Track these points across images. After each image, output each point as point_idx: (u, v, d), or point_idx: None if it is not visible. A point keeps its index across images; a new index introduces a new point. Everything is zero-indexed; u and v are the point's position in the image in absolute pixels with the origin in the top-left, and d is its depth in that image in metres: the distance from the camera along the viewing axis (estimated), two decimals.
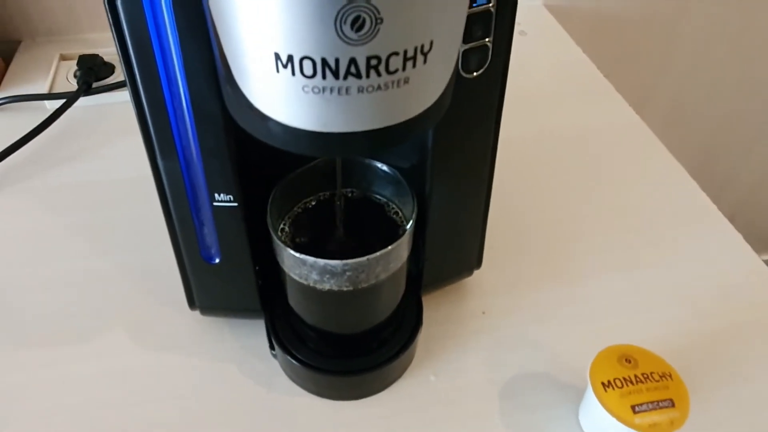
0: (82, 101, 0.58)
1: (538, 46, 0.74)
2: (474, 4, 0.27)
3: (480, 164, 0.36)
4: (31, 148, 0.55)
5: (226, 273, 0.36)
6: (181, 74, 0.27)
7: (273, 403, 0.38)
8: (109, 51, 0.64)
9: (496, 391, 0.39)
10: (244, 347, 0.41)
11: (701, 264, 0.48)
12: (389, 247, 0.30)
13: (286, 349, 0.37)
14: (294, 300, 0.35)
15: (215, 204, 0.32)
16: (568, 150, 0.58)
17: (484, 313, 0.44)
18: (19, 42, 0.67)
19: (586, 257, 0.48)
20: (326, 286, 0.31)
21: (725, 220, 0.51)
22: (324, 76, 0.19)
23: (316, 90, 0.20)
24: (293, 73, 0.19)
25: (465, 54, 0.29)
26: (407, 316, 0.40)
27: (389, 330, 0.38)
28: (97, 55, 0.62)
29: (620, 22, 0.83)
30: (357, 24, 0.18)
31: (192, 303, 0.39)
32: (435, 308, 0.43)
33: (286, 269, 0.32)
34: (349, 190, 0.35)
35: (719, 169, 0.99)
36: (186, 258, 0.36)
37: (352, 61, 0.19)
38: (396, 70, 0.20)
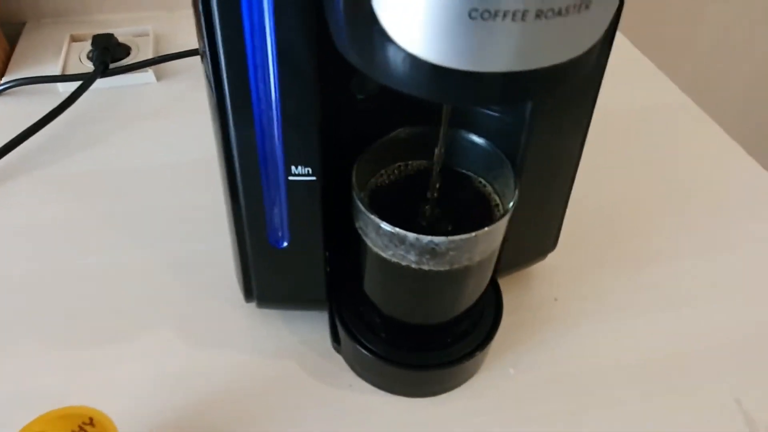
0: (99, 83, 0.54)
1: None
2: None
3: (575, 137, 0.32)
4: (47, 133, 0.50)
5: (293, 259, 0.32)
6: (270, 20, 0.23)
7: (341, 402, 0.34)
8: (122, 31, 0.60)
9: (580, 385, 0.36)
10: (304, 342, 0.37)
11: None
12: (495, 224, 0.27)
13: (357, 340, 0.34)
14: (375, 286, 0.32)
15: (290, 178, 0.28)
16: (623, 131, 0.55)
17: (556, 299, 0.41)
18: (23, 24, 0.62)
19: (658, 241, 0.45)
20: (423, 267, 0.27)
21: None
22: None
23: (486, 15, 0.16)
24: None
25: None
26: (486, 304, 0.36)
27: (469, 320, 0.35)
28: (112, 34, 0.57)
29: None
30: None
31: (249, 294, 0.35)
32: (508, 294, 0.40)
33: (376, 249, 0.28)
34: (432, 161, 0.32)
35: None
36: (249, 243, 0.32)
37: None
38: None
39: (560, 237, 0.39)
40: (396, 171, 0.32)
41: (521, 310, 0.40)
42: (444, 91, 0.18)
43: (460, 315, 0.33)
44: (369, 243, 0.28)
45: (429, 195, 0.30)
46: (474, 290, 0.32)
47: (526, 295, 0.41)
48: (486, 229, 0.26)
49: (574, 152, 0.33)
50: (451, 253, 0.27)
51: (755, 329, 0.39)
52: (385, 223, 0.26)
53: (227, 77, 0.25)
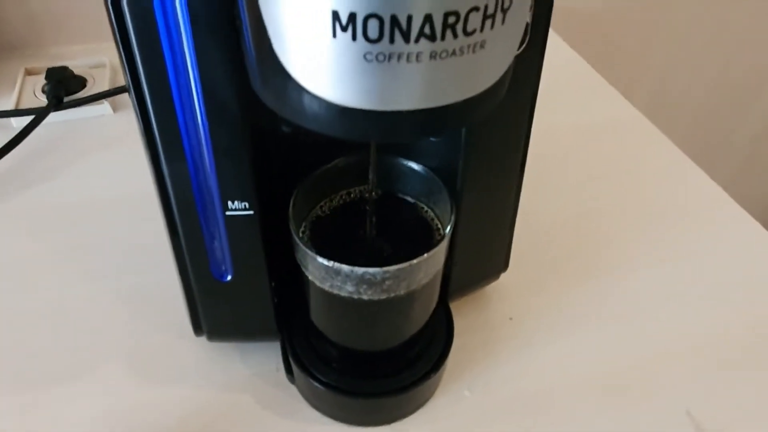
0: (54, 117, 0.53)
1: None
2: None
3: (514, 156, 0.33)
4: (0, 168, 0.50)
5: (239, 291, 0.32)
6: (191, 58, 0.23)
7: None
8: (78, 63, 0.59)
9: (536, 403, 0.36)
10: (257, 374, 0.37)
11: (729, 254, 0.46)
12: (432, 251, 0.27)
13: (307, 372, 0.33)
14: (320, 316, 0.32)
15: (228, 213, 0.29)
16: (573, 146, 0.56)
17: (511, 318, 0.42)
18: None
19: (610, 255, 0.46)
20: (363, 297, 0.27)
21: (740, 209, 0.50)
22: (392, 39, 0.16)
23: (381, 57, 0.16)
24: (354, 38, 0.16)
25: None
26: (436, 328, 0.36)
27: (420, 345, 0.35)
28: (67, 67, 0.57)
29: (603, 18, 0.83)
30: None
31: (198, 328, 0.35)
32: (460, 316, 0.40)
33: (315, 281, 0.28)
34: (368, 188, 0.32)
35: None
36: (193, 277, 0.32)
37: (428, 18, 0.16)
38: (474, 31, 0.16)
39: (513, 255, 0.40)
40: (338, 200, 0.32)
41: (476, 331, 0.40)
42: (353, 130, 0.19)
43: (410, 340, 0.33)
44: (308, 275, 0.28)
45: (368, 223, 0.30)
46: (419, 316, 0.32)
47: (481, 316, 0.41)
48: (422, 257, 0.26)
49: (514, 172, 0.34)
50: (387, 282, 0.27)
51: (705, 340, 0.40)
52: (319, 256, 0.26)
53: (154, 113, 0.25)
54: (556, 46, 0.72)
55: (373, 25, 0.16)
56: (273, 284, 0.33)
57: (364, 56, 0.16)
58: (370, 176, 0.28)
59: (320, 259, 0.26)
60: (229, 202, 0.28)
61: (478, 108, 0.19)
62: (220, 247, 0.30)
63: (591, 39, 0.83)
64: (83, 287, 0.41)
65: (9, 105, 0.54)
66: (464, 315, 0.41)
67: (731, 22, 0.88)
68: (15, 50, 0.62)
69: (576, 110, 0.61)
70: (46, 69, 0.56)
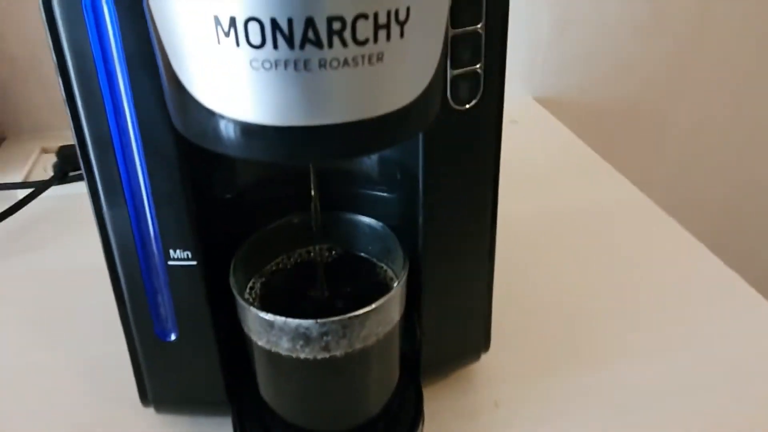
0: (58, 190, 0.55)
1: (531, 133, 0.73)
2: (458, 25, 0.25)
3: (479, 218, 0.31)
4: None
5: (185, 352, 0.30)
6: (129, 100, 0.23)
7: None
8: None
9: None
10: None
11: (739, 343, 0.41)
12: (374, 305, 0.25)
13: None
14: (263, 381, 0.29)
15: (170, 263, 0.27)
16: (572, 227, 0.54)
17: (497, 404, 0.37)
18: (3, 139, 0.66)
19: (606, 339, 0.42)
20: (300, 355, 0.25)
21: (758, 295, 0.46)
22: (275, 44, 0.15)
23: (267, 65, 0.16)
24: (237, 43, 0.15)
25: (454, 81, 0.26)
26: (405, 408, 0.33)
27: (382, 425, 0.31)
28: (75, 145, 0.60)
29: (610, 111, 0.84)
30: None
31: (144, 396, 0.33)
32: (440, 400, 0.36)
33: (252, 337, 0.26)
34: (329, 246, 0.31)
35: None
36: (137, 336, 0.30)
37: (310, 21, 0.15)
38: (366, 40, 0.16)
39: (504, 336, 0.37)
40: (295, 257, 0.31)
41: (457, 417, 0.36)
42: (251, 149, 0.18)
43: (372, 419, 0.30)
44: (246, 332, 0.26)
45: (318, 281, 0.28)
46: (373, 387, 0.29)
47: (463, 400, 0.37)
48: (361, 311, 0.24)
49: (482, 238, 0.32)
50: (325, 338, 0.24)
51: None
52: (252, 307, 0.25)
53: (94, 155, 0.25)
54: (560, 134, 0.73)
55: (254, 29, 0.15)
56: (222, 348, 0.30)
57: (250, 63, 0.16)
58: (313, 224, 0.26)
59: (253, 310, 0.25)
60: (171, 251, 0.27)
61: (388, 130, 0.18)
62: (163, 302, 0.29)
63: (601, 131, 0.84)
64: (48, 354, 0.40)
65: (19, 179, 0.57)
66: (447, 397, 0.37)
67: (747, 114, 0.88)
68: (37, 132, 0.66)
69: (574, 191, 0.59)
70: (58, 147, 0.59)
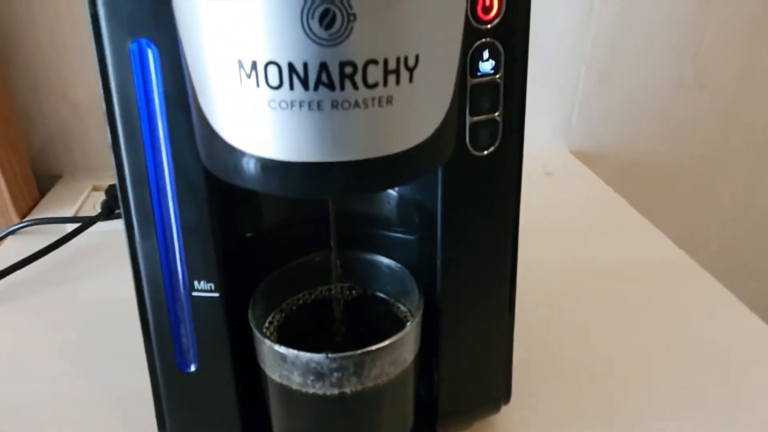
0: (104, 226, 0.58)
1: (565, 185, 0.73)
2: (478, 74, 0.26)
3: (499, 264, 0.31)
4: (43, 266, 0.54)
5: (203, 384, 0.31)
6: (165, 139, 0.25)
7: None
8: None
9: None
10: None
11: None
12: (386, 342, 0.25)
13: None
14: (275, 416, 0.29)
15: (194, 294, 0.28)
16: (606, 282, 0.53)
17: None
18: (59, 177, 0.70)
19: (637, 398, 0.40)
20: (310, 390, 0.25)
21: None
22: (291, 86, 0.17)
23: (284, 105, 0.17)
24: (258, 84, 0.17)
25: (473, 127, 0.27)
26: None
27: None
28: None
29: (651, 166, 0.83)
30: (326, 19, 0.16)
31: (163, 429, 0.33)
32: None
33: (266, 371, 0.27)
34: (348, 285, 0.31)
35: None
36: (159, 365, 0.31)
37: (323, 66, 0.16)
38: (376, 84, 0.17)
39: (527, 390, 0.36)
40: (314, 294, 0.31)
41: None
42: (270, 183, 0.19)
43: None
44: (261, 365, 0.27)
45: (336, 319, 0.28)
46: (381, 427, 0.28)
47: None
48: (372, 348, 0.24)
49: (504, 280, 0.32)
50: (336, 374, 0.25)
51: None
52: (267, 340, 0.25)
53: (132, 190, 0.27)
54: (596, 187, 0.72)
55: (273, 72, 0.17)
56: (239, 383, 0.31)
57: (269, 103, 0.17)
58: (333, 265, 0.27)
59: (268, 343, 0.25)
60: (195, 282, 0.28)
61: (399, 169, 0.19)
62: (186, 332, 0.30)
63: (641, 187, 0.83)
64: (81, 381, 0.41)
65: (69, 213, 0.60)
66: None
67: None
68: (90, 171, 0.70)
69: (609, 245, 0.58)
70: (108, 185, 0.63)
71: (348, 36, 0.16)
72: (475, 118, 0.27)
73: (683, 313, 0.49)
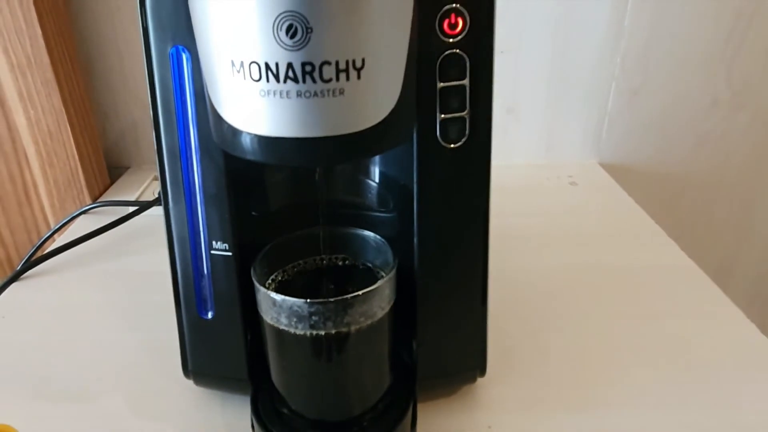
0: (158, 210, 0.66)
1: (588, 195, 0.75)
2: (446, 78, 0.31)
3: (470, 242, 0.36)
4: (107, 240, 0.63)
5: (218, 329, 0.37)
6: (194, 121, 0.32)
7: None
8: None
9: None
10: (229, 425, 0.40)
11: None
12: (357, 293, 0.30)
13: (265, 429, 0.36)
14: (270, 357, 0.35)
15: (212, 252, 0.35)
16: (606, 282, 0.56)
17: (490, 427, 0.40)
18: (127, 168, 0.80)
19: (615, 386, 0.43)
20: (293, 330, 0.31)
21: None
22: (268, 79, 0.23)
23: (263, 93, 0.23)
24: (244, 78, 0.23)
25: (443, 123, 0.32)
26: (397, 406, 0.37)
27: (374, 414, 0.36)
28: None
29: (678, 181, 0.83)
30: (291, 31, 0.22)
31: (186, 368, 0.40)
32: (433, 417, 0.40)
33: (262, 315, 0.33)
34: (342, 257, 0.37)
35: None
36: (183, 312, 0.38)
37: (290, 65, 0.22)
38: (330, 79, 0.23)
39: (508, 367, 0.40)
40: (312, 262, 0.37)
41: None
42: (258, 153, 0.25)
43: (365, 411, 0.35)
44: (258, 311, 0.33)
45: (326, 282, 0.34)
46: (358, 372, 0.34)
47: (456, 420, 0.41)
48: (342, 297, 0.30)
49: (474, 262, 0.36)
50: (314, 317, 0.30)
51: None
52: (262, 287, 0.31)
53: (167, 165, 0.34)
54: (617, 198, 0.74)
55: (254, 69, 0.23)
56: (247, 330, 0.37)
57: (252, 92, 0.23)
58: (320, 235, 0.33)
59: (263, 290, 0.31)
60: (213, 242, 0.35)
61: (354, 145, 0.24)
62: (205, 285, 0.36)
63: (672, 204, 0.84)
64: (124, 335, 0.49)
65: (131, 198, 0.69)
66: (438, 417, 0.40)
67: None
68: (154, 164, 0.79)
69: (620, 250, 0.61)
70: None
71: (307, 43, 0.22)
72: (444, 116, 0.32)
73: (681, 315, 0.51)
